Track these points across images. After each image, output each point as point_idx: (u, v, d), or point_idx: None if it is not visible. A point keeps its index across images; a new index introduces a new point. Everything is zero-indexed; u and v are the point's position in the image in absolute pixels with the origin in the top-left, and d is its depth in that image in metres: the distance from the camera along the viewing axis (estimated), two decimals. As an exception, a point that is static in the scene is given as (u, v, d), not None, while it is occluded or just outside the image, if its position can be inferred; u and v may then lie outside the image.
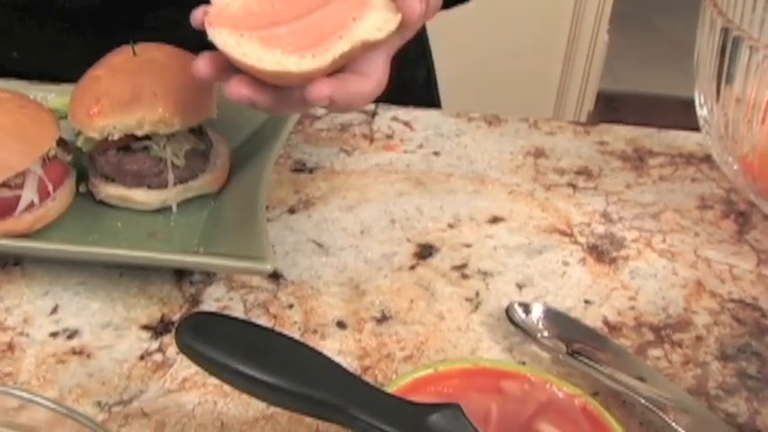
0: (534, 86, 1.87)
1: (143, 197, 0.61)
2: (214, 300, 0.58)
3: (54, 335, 0.55)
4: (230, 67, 0.49)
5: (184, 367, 0.53)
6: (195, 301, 0.58)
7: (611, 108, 2.31)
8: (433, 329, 0.57)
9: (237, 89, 0.49)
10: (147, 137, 0.60)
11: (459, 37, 1.70)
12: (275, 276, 0.59)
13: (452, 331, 0.57)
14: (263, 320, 0.56)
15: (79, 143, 0.61)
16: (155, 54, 0.61)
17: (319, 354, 0.43)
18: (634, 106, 2.47)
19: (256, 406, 0.50)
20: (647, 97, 2.51)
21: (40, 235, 0.60)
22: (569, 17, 1.80)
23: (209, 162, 0.63)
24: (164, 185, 0.61)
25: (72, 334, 0.55)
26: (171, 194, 0.61)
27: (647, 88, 2.52)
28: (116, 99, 0.58)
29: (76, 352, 0.54)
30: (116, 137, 0.58)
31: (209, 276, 0.60)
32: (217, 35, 0.47)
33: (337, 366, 0.42)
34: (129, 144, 0.60)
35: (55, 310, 0.57)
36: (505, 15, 1.75)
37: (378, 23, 0.48)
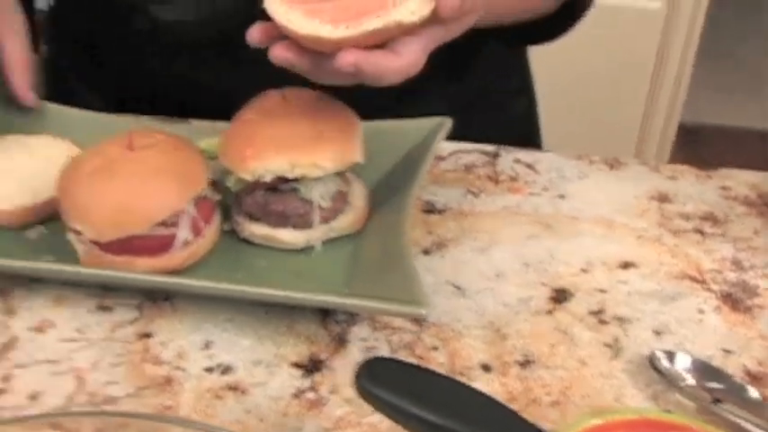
0: (617, 119, 1.86)
1: (288, 237, 0.63)
2: (360, 340, 0.59)
3: (209, 370, 0.57)
4: (279, 37, 0.54)
5: (338, 406, 0.54)
6: (341, 340, 0.59)
7: (690, 141, 2.29)
8: (577, 375, 0.57)
9: (281, 52, 0.54)
10: (295, 178, 0.61)
11: (543, 66, 1.70)
12: (417, 318, 0.60)
13: (596, 377, 0.57)
14: (410, 362, 0.57)
15: (229, 183, 0.63)
16: (304, 99, 0.63)
17: (492, 399, 0.44)
18: (712, 138, 2.45)
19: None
20: (725, 129, 2.49)
21: (189, 271, 0.62)
22: (654, 50, 1.80)
23: (349, 203, 0.65)
24: (308, 226, 0.63)
25: (226, 370, 0.57)
26: (315, 235, 0.63)
27: (726, 120, 2.50)
28: (269, 143, 0.60)
29: (232, 388, 0.56)
30: (267, 179, 0.60)
31: (352, 316, 0.61)
32: (270, 4, 0.53)
33: (513, 414, 0.43)
34: (276, 185, 0.62)
35: (207, 345, 0.59)
36: (591, 43, 1.75)
37: (413, 8, 0.51)
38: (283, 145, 0.60)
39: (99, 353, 0.58)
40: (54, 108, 0.77)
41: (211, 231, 0.62)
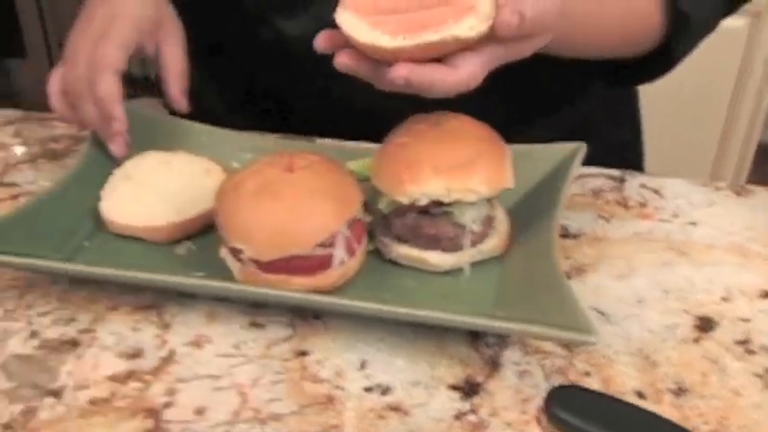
0: (695, 137, 1.85)
1: (438, 259, 0.64)
2: (513, 363, 0.60)
3: (368, 390, 0.58)
4: (344, 45, 0.57)
5: (500, 429, 0.55)
6: (495, 363, 0.60)
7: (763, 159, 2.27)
8: (731, 405, 0.58)
9: (343, 59, 0.57)
10: (448, 202, 0.62)
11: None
12: (575, 344, 0.61)
13: (752, 408, 0.57)
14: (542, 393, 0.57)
15: (381, 205, 0.64)
16: (455, 123, 0.64)
17: (682, 428, 0.44)
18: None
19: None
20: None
21: (339, 290, 0.63)
22: (736, 68, 1.79)
23: (494, 227, 0.66)
24: (458, 249, 0.63)
25: (385, 390, 0.58)
26: (464, 258, 0.64)
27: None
28: (426, 167, 0.61)
29: (393, 408, 0.57)
30: (423, 202, 0.61)
31: (503, 339, 0.62)
32: (340, 14, 0.56)
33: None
34: (427, 208, 0.63)
35: (363, 365, 0.60)
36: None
37: (471, 24, 0.54)
38: (439, 170, 0.61)
39: (258, 369, 0.59)
40: (187, 124, 0.79)
41: (361, 252, 0.64)
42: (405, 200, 0.62)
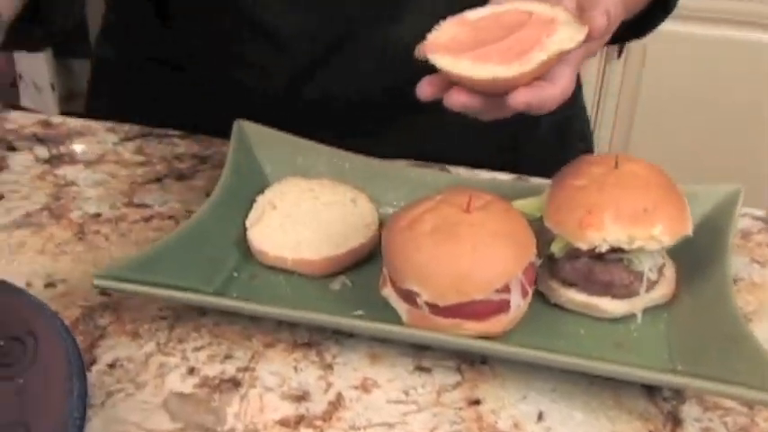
0: (739, 156, 1.85)
1: (610, 306, 0.62)
2: (694, 420, 0.58)
3: (550, 444, 0.56)
4: (446, 85, 0.58)
5: (696, 495, 0.53)
6: (675, 419, 0.58)
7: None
8: None
9: (457, 98, 0.57)
10: (623, 249, 0.60)
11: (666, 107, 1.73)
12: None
13: None
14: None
15: (554, 248, 0.62)
16: (632, 167, 0.62)
17: None
18: None
19: None
20: None
21: (507, 335, 0.61)
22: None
23: (663, 273, 0.63)
24: (631, 295, 0.61)
25: (565, 442, 0.56)
26: (638, 305, 0.62)
27: None
28: (609, 214, 0.59)
29: (581, 466, 0.54)
30: (604, 249, 0.59)
31: (679, 393, 0.60)
32: (437, 59, 0.57)
33: None
34: (600, 254, 0.61)
35: (541, 416, 0.58)
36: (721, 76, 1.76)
37: (568, 35, 0.56)
38: (622, 217, 0.59)
39: (433, 419, 0.57)
40: (323, 149, 0.77)
41: (529, 297, 0.61)
42: (584, 246, 0.60)
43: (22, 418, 0.52)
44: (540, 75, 0.56)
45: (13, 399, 0.54)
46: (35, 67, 2.60)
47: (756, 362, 0.55)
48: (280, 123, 0.78)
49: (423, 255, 0.58)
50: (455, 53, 0.57)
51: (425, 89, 0.59)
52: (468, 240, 0.58)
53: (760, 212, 0.79)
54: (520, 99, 0.56)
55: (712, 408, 0.59)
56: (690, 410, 0.59)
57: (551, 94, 0.57)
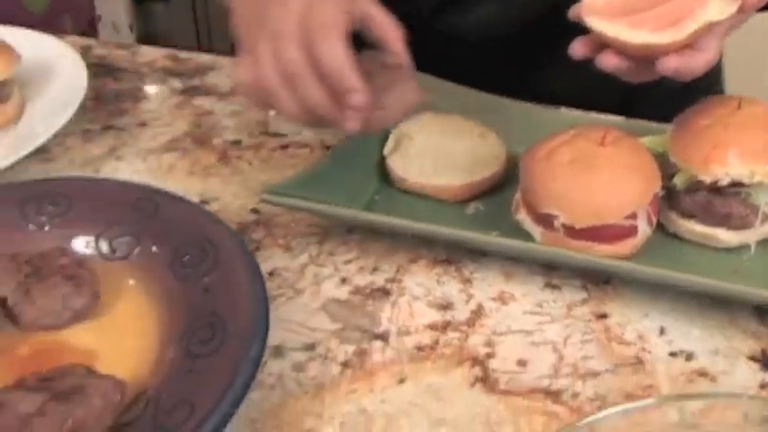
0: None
1: (727, 236, 0.67)
2: (805, 339, 0.64)
3: (673, 354, 0.62)
4: (598, 47, 0.62)
5: (808, 402, 0.59)
6: (786, 338, 0.64)
7: None
8: None
9: (610, 59, 0.61)
10: (741, 183, 0.66)
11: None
12: None
13: None
14: None
15: (677, 181, 0.68)
16: (756, 109, 0.67)
17: None
18: None
19: None
20: None
21: (631, 260, 0.67)
22: None
23: None
24: (747, 227, 0.67)
25: (689, 356, 0.62)
26: (752, 236, 0.67)
27: None
28: (733, 150, 0.64)
29: (701, 374, 0.61)
30: (725, 182, 0.65)
31: (788, 316, 0.65)
32: (593, 22, 0.61)
33: None
34: (720, 187, 0.66)
35: (662, 331, 0.64)
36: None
37: (719, 7, 0.59)
38: (744, 153, 0.64)
39: (565, 329, 0.64)
40: (450, 86, 0.83)
41: (653, 224, 0.68)
42: (708, 178, 0.65)
43: (213, 311, 0.59)
44: (690, 43, 0.60)
45: (201, 296, 0.61)
46: (114, 8, 2.67)
47: None
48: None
49: (561, 183, 0.64)
50: (609, 17, 0.61)
51: (578, 48, 0.63)
52: (603, 171, 0.64)
53: None
54: (670, 65, 0.59)
55: (820, 329, 0.65)
56: (799, 331, 0.65)
57: (698, 62, 0.60)
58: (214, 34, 2.52)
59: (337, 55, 0.60)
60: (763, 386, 0.60)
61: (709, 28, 0.60)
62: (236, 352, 0.54)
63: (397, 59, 0.66)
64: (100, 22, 2.69)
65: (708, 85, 0.96)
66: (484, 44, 0.88)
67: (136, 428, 0.52)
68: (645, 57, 0.61)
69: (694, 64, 0.60)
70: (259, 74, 0.63)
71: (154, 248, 0.65)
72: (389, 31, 0.65)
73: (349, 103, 0.62)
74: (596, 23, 0.61)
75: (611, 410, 0.48)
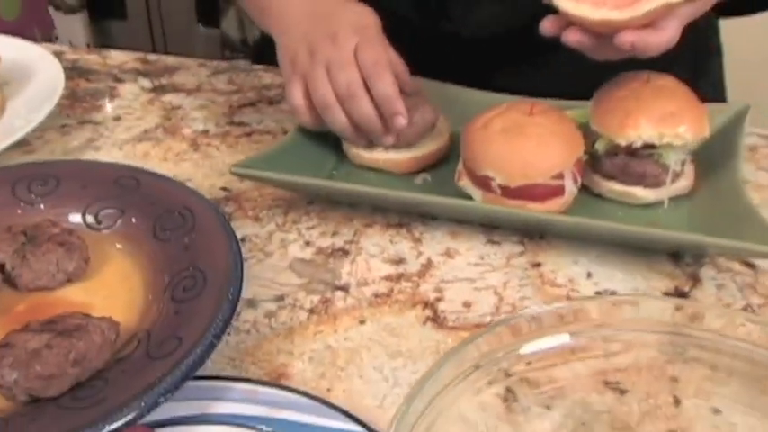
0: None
1: (643, 194, 0.77)
2: (710, 278, 0.73)
3: (598, 293, 0.72)
4: (565, 25, 0.68)
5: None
6: (696, 278, 0.73)
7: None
8: None
9: (574, 35, 0.68)
10: (654, 146, 0.75)
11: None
12: (751, 265, 0.74)
13: None
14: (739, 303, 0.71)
15: (598, 146, 0.77)
16: (663, 81, 0.77)
17: None
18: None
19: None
20: None
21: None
22: None
23: (684, 170, 0.79)
24: (660, 185, 0.77)
25: (613, 294, 0.71)
26: (665, 193, 0.77)
27: None
28: (644, 116, 0.74)
29: (622, 308, 0.70)
30: (638, 145, 0.75)
31: (698, 260, 0.75)
32: (561, 2, 0.68)
33: None
34: (634, 151, 0.76)
35: (590, 275, 0.73)
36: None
37: None
38: (654, 118, 0.74)
39: (505, 276, 0.73)
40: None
41: (578, 185, 0.77)
42: (624, 142, 0.75)
43: (194, 265, 0.67)
44: (649, 22, 0.66)
45: (182, 253, 0.69)
46: (72, 28, 2.73)
47: (762, 231, 0.70)
48: None
49: (496, 147, 0.73)
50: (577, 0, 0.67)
51: (547, 26, 0.69)
52: (532, 137, 0.73)
53: (765, 131, 0.94)
54: (626, 39, 0.65)
55: (725, 270, 0.75)
56: (707, 272, 0.74)
57: (655, 40, 0.65)
58: (171, 51, 2.60)
59: (389, 85, 0.77)
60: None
61: (669, 9, 0.65)
62: (216, 294, 0.62)
63: (415, 87, 0.81)
64: (57, 41, 2.76)
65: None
66: (484, 44, 0.94)
67: (131, 360, 0.60)
68: (606, 33, 0.67)
69: (651, 40, 0.66)
70: (317, 94, 0.78)
71: (136, 219, 0.73)
72: (400, 65, 0.80)
73: (393, 123, 0.78)
74: (563, 3, 0.67)
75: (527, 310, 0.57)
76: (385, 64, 0.77)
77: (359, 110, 0.78)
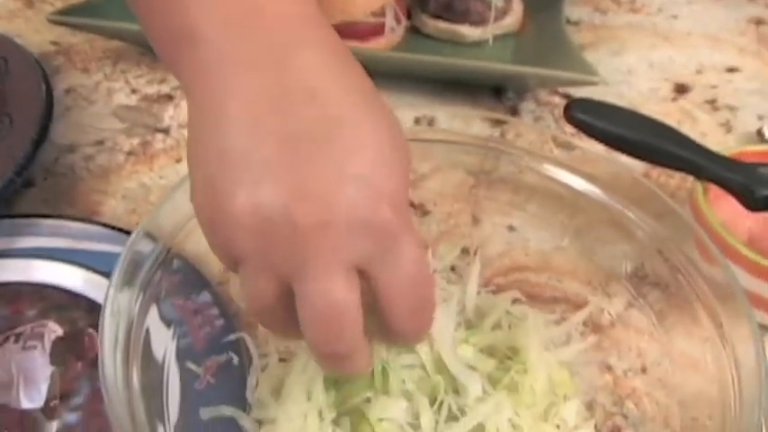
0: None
1: (467, 31, 0.78)
2: (529, 111, 0.75)
3: (417, 121, 0.72)
4: None
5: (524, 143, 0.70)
6: (515, 110, 0.75)
7: None
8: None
9: None
10: (477, -17, 0.76)
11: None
12: (569, 97, 0.76)
13: (715, 146, 0.73)
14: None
15: (419, -15, 0.78)
16: None
17: (681, 134, 0.59)
18: None
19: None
20: None
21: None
22: None
23: (512, 8, 0.80)
24: (484, 23, 0.77)
25: (431, 121, 0.72)
26: (489, 30, 0.78)
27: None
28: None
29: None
30: (454, -19, 0.75)
31: (520, 95, 0.76)
32: None
33: (691, 140, 0.59)
34: (458, -11, 0.77)
35: (412, 105, 0.74)
36: None
37: None
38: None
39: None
40: None
41: (403, 26, 0.77)
42: (439, -20, 0.75)
43: (4, 110, 0.66)
44: None
45: (-6, 100, 0.68)
46: None
47: (575, 59, 0.71)
48: None
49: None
50: None
51: None
52: (351, -26, 0.73)
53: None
54: None
55: (544, 104, 0.76)
56: (527, 105, 0.76)
57: None
58: None
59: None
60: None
61: None
62: (20, 136, 0.62)
63: None
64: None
65: None
66: None
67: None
68: None
69: None
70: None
71: (-48, 69, 0.71)
72: None
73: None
74: None
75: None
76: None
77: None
